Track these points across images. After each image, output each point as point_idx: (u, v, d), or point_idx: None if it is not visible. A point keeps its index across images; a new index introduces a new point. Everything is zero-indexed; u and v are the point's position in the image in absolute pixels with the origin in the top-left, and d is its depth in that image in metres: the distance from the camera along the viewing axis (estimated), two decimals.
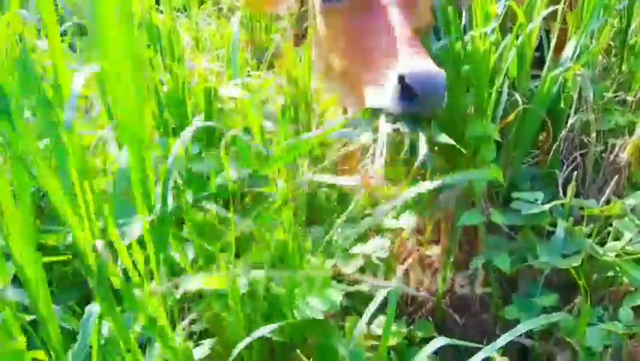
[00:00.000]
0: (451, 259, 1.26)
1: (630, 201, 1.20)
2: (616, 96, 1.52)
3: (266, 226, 1.04)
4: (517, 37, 1.27)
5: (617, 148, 1.37)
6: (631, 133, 1.38)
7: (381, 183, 1.10)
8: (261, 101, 1.49)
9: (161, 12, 1.76)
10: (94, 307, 0.82)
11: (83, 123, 1.47)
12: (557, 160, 1.38)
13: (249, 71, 1.88)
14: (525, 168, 1.42)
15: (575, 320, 1.08)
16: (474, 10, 1.28)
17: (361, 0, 1.07)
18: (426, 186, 1.01)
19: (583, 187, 1.37)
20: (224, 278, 0.89)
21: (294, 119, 1.41)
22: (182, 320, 0.97)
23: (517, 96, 1.30)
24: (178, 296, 0.93)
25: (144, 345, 0.90)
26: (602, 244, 1.17)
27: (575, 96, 1.36)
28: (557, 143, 1.37)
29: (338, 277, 1.07)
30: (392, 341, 1.08)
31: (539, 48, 1.40)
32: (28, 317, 0.84)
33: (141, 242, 0.89)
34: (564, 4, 1.36)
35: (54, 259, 0.97)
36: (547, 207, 1.18)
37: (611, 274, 1.17)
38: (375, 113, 1.01)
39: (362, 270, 1.12)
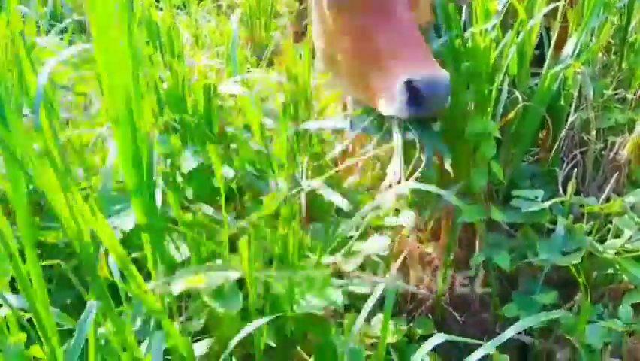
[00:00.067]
0: (451, 257, 1.26)
1: (630, 199, 1.20)
2: (616, 94, 1.52)
3: (266, 223, 1.04)
4: (517, 35, 1.27)
5: (617, 146, 1.37)
6: (631, 131, 1.38)
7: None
8: (261, 99, 1.48)
9: (161, 9, 1.76)
10: (92, 303, 0.81)
11: (82, 121, 1.47)
12: (557, 158, 1.38)
13: (248, 68, 1.88)
14: (525, 166, 1.42)
15: (575, 317, 1.08)
16: (474, 7, 1.28)
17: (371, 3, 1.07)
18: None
19: (583, 185, 1.37)
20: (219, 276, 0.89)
21: (294, 117, 1.41)
22: (180, 316, 0.97)
23: (518, 94, 1.30)
24: (175, 294, 0.93)
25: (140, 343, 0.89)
26: (602, 241, 1.17)
27: (575, 94, 1.36)
28: (557, 141, 1.37)
29: (338, 275, 1.07)
30: (392, 339, 1.08)
31: (539, 46, 1.39)
32: (27, 315, 0.84)
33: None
34: (565, 1, 1.36)
35: (53, 262, 0.96)
36: (547, 204, 1.18)
37: (610, 271, 1.17)
38: (386, 118, 1.04)
39: (362, 267, 1.12)
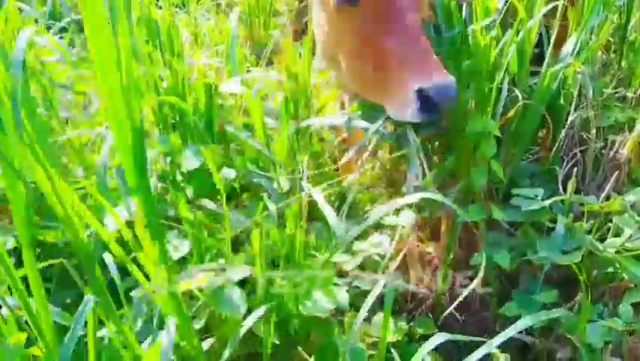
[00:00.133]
0: (451, 256, 1.26)
1: (630, 198, 1.20)
2: (616, 92, 1.52)
3: (269, 222, 1.04)
4: (517, 33, 1.27)
5: (617, 144, 1.37)
6: (631, 129, 1.37)
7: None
8: (261, 98, 1.48)
9: (160, 7, 1.75)
10: (89, 298, 0.81)
11: (82, 120, 1.47)
12: (557, 156, 1.38)
13: (248, 67, 1.88)
14: (525, 165, 1.42)
15: (576, 316, 1.08)
16: (474, 6, 1.28)
17: (376, 3, 1.07)
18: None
19: (583, 184, 1.37)
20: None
21: (293, 115, 1.41)
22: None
23: (518, 92, 1.30)
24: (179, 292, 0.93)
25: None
26: (602, 240, 1.16)
27: (575, 93, 1.36)
28: (557, 139, 1.37)
29: (339, 274, 1.07)
30: (392, 338, 1.08)
31: (539, 44, 1.39)
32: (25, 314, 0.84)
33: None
34: (564, 0, 1.36)
35: (54, 261, 0.96)
36: (547, 203, 1.18)
37: (610, 270, 1.17)
38: (398, 123, 1.08)
39: (362, 267, 1.12)
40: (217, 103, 1.40)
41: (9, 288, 0.87)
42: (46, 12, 2.05)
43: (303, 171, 1.36)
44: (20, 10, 1.77)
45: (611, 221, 1.19)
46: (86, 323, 0.83)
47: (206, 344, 0.96)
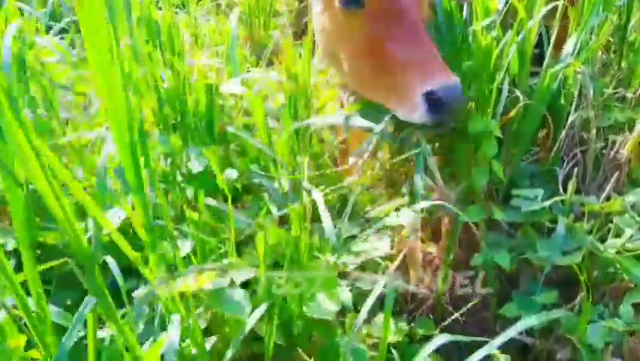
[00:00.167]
0: (451, 257, 1.26)
1: (630, 198, 1.20)
2: (616, 93, 1.52)
3: (272, 223, 1.04)
4: (518, 34, 1.27)
5: (617, 145, 1.37)
6: (631, 130, 1.37)
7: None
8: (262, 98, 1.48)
9: (160, 8, 1.75)
10: (89, 300, 0.81)
11: (82, 121, 1.47)
12: (557, 157, 1.38)
13: (248, 68, 1.88)
14: (525, 165, 1.42)
15: (576, 317, 1.08)
16: (474, 6, 1.28)
17: (381, 5, 1.08)
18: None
19: (583, 184, 1.37)
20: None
21: (293, 115, 1.41)
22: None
23: (518, 93, 1.30)
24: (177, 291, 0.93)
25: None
26: (603, 240, 1.16)
27: (575, 93, 1.36)
28: (557, 140, 1.37)
29: (340, 275, 1.07)
30: (393, 339, 1.08)
31: (539, 44, 1.39)
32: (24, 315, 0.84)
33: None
34: (564, 0, 1.36)
35: (55, 263, 0.96)
36: (547, 203, 1.18)
37: (611, 270, 1.17)
38: (402, 124, 1.10)
39: (363, 267, 1.12)
40: (217, 104, 1.40)
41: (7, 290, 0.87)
42: (46, 13, 2.05)
43: (303, 171, 1.37)
44: (21, 10, 1.78)
45: (611, 221, 1.19)
46: (86, 323, 0.83)
47: (208, 344, 0.96)
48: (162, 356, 0.81)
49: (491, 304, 1.25)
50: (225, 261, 0.99)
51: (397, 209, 1.35)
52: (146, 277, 0.86)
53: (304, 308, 0.93)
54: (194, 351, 0.90)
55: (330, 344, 0.97)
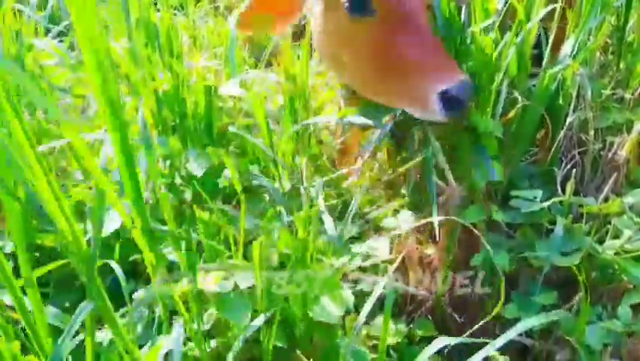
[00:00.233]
0: (451, 258, 1.26)
1: (629, 199, 1.20)
2: (614, 94, 1.52)
3: (275, 225, 1.04)
4: (516, 35, 1.27)
5: (615, 146, 1.37)
6: (629, 131, 1.37)
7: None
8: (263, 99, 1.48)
9: (158, 10, 1.75)
10: (86, 304, 0.81)
11: (80, 123, 1.47)
12: (556, 158, 1.38)
13: (247, 70, 1.88)
14: (524, 166, 1.42)
15: (575, 318, 1.08)
16: (473, 8, 1.28)
17: (389, 11, 1.10)
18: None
19: (581, 185, 1.37)
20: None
21: (293, 116, 1.42)
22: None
23: (517, 94, 1.30)
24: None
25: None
26: (601, 242, 1.17)
27: (574, 94, 1.36)
28: (556, 141, 1.37)
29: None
30: (392, 340, 1.08)
31: (537, 45, 1.39)
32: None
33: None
34: (562, 2, 1.36)
35: (54, 265, 0.96)
36: (546, 204, 1.18)
37: (610, 271, 1.17)
38: (416, 122, 1.14)
39: (362, 269, 1.12)
40: (217, 105, 1.40)
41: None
42: (45, 15, 2.04)
43: (303, 173, 1.37)
44: (20, 12, 1.77)
45: (609, 223, 1.19)
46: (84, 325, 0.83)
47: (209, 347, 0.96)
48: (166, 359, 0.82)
49: (490, 305, 1.25)
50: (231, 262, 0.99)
51: (397, 211, 1.35)
52: (150, 278, 0.86)
53: (309, 312, 0.93)
54: (196, 353, 0.90)
55: (331, 345, 0.97)
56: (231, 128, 1.39)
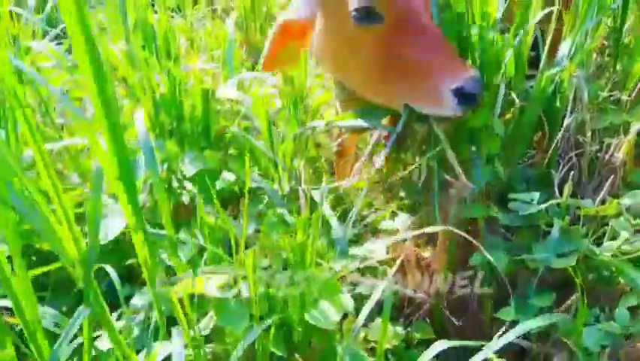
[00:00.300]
0: (449, 260, 1.26)
1: (626, 201, 1.20)
2: (611, 95, 1.52)
3: (276, 229, 1.04)
4: (515, 37, 1.28)
5: (612, 147, 1.37)
6: (626, 132, 1.38)
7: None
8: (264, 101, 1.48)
9: (156, 12, 1.75)
10: (83, 309, 0.80)
11: (77, 126, 1.46)
12: (553, 160, 1.38)
13: (244, 72, 1.88)
14: (521, 168, 1.42)
15: (572, 320, 1.08)
16: (472, 10, 1.28)
17: (398, 15, 1.13)
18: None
19: (579, 187, 1.37)
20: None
21: (293, 119, 1.42)
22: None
23: (514, 96, 1.30)
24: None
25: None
26: (599, 244, 1.17)
27: (571, 96, 1.36)
28: (553, 142, 1.37)
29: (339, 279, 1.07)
30: (390, 343, 1.08)
31: (534, 47, 1.40)
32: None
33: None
34: (559, 3, 1.36)
35: (52, 267, 0.96)
36: (543, 207, 1.18)
37: (607, 274, 1.17)
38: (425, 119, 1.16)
39: (361, 271, 1.12)
40: (214, 108, 1.40)
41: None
42: (42, 18, 2.04)
43: (301, 175, 1.37)
44: (17, 15, 1.77)
45: (607, 224, 1.19)
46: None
47: (207, 351, 0.96)
48: None
49: (488, 308, 1.25)
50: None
51: (394, 213, 1.35)
52: (146, 283, 0.86)
53: (306, 316, 0.92)
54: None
55: (329, 349, 0.96)
56: (234, 128, 1.39)
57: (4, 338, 0.81)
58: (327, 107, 1.71)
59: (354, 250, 1.16)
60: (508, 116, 1.30)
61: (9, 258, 1.06)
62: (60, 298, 1.11)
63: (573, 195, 1.25)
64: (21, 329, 0.84)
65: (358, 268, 1.12)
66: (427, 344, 0.96)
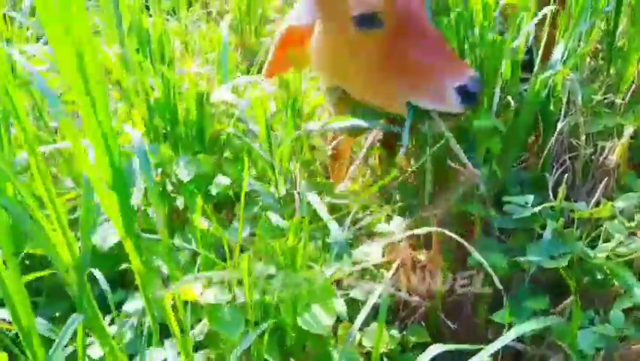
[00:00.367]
0: (444, 262, 1.26)
1: (619, 204, 1.21)
2: (604, 99, 1.53)
3: (270, 232, 1.04)
4: (513, 40, 1.28)
5: (606, 150, 1.38)
6: (620, 135, 1.38)
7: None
8: (251, 106, 1.48)
9: (150, 15, 1.75)
10: (76, 317, 0.80)
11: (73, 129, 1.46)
12: (547, 163, 1.39)
13: (239, 75, 1.88)
14: (515, 171, 1.42)
15: (567, 323, 1.08)
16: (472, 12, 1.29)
17: (399, 19, 1.15)
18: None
19: (573, 190, 1.37)
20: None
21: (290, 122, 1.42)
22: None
23: (509, 98, 1.31)
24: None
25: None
26: (593, 246, 1.17)
27: (564, 99, 1.37)
28: (547, 146, 1.38)
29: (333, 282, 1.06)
30: (385, 347, 1.08)
31: (528, 51, 1.40)
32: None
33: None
34: (554, 1, 1.37)
35: (44, 273, 0.95)
36: (537, 209, 1.18)
37: (601, 276, 1.17)
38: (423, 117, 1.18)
39: (357, 275, 1.12)
40: (209, 112, 1.40)
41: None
42: (36, 21, 2.03)
43: (297, 178, 1.37)
44: (11, 19, 1.77)
45: (601, 227, 1.20)
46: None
47: (201, 356, 0.95)
48: None
49: (482, 311, 1.25)
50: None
51: (390, 216, 1.35)
52: (139, 289, 0.85)
53: (298, 320, 0.92)
54: None
55: (324, 353, 0.96)
56: (231, 130, 1.39)
57: None
58: (322, 110, 1.71)
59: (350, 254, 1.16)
60: (503, 119, 1.30)
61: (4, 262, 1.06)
62: (54, 303, 1.10)
63: (567, 198, 1.26)
64: (16, 334, 0.84)
65: (353, 273, 1.12)
66: (422, 347, 0.95)
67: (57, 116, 1.41)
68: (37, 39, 1.88)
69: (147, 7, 1.88)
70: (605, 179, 1.31)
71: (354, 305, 1.08)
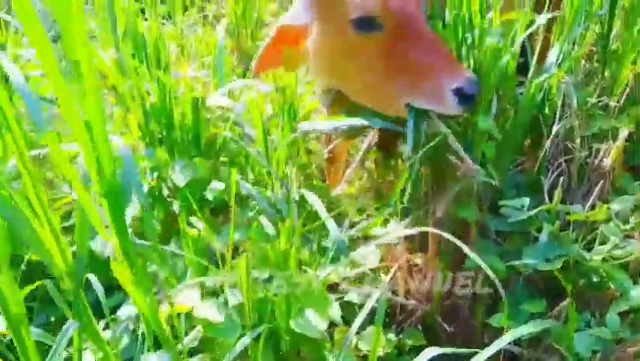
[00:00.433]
0: (440, 267, 1.26)
1: (615, 206, 1.21)
2: (599, 101, 1.54)
3: (261, 236, 1.04)
4: (512, 45, 1.29)
5: (601, 153, 1.38)
6: (615, 138, 1.39)
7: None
8: (247, 109, 1.48)
9: (146, 19, 1.75)
10: (71, 323, 0.79)
11: (67, 134, 1.45)
12: (543, 166, 1.39)
13: (235, 79, 1.88)
14: (511, 174, 1.43)
15: (563, 326, 1.08)
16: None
17: (398, 22, 1.16)
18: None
19: (568, 193, 1.38)
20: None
21: (286, 126, 1.42)
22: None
23: (505, 102, 1.31)
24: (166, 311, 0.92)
25: None
26: (589, 249, 1.17)
27: (560, 102, 1.38)
28: (543, 149, 1.38)
29: (329, 286, 1.06)
30: (382, 350, 1.08)
31: (522, 54, 1.41)
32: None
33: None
34: (547, 11, 1.38)
35: (40, 283, 0.94)
36: (533, 212, 1.19)
37: (597, 279, 1.17)
38: (423, 117, 1.20)
39: (354, 279, 1.12)
40: (205, 116, 1.40)
41: None
42: None
43: (293, 182, 1.36)
44: (6, 23, 1.76)
45: (596, 230, 1.20)
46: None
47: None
48: None
49: (479, 314, 1.25)
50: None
51: (386, 220, 1.35)
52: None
53: (292, 323, 0.92)
54: None
55: (319, 357, 0.96)
56: (226, 133, 1.39)
57: None
58: (317, 113, 1.71)
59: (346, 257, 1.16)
60: (499, 121, 1.30)
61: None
62: (49, 308, 1.10)
63: (563, 200, 1.26)
64: (10, 340, 0.83)
65: (349, 276, 1.12)
66: (418, 350, 0.95)
67: (38, 122, 1.40)
68: None
69: (143, 11, 1.88)
70: (601, 182, 1.31)
71: (350, 309, 1.08)
